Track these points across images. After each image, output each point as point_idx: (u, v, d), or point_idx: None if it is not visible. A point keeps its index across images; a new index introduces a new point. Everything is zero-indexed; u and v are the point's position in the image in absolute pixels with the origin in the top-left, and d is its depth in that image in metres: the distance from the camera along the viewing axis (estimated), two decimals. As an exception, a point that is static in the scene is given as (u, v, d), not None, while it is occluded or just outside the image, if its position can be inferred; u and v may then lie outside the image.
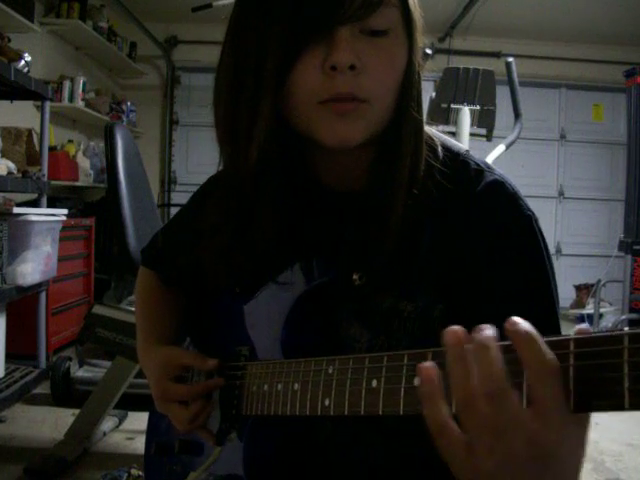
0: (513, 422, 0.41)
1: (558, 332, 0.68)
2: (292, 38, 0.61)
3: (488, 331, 0.44)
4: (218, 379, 0.78)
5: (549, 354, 0.40)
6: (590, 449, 2.48)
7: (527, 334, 0.41)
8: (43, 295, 2.78)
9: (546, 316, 0.68)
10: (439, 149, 0.72)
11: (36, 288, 2.57)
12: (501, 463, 0.42)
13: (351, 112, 0.63)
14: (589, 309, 4.80)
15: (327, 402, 0.59)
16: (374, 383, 0.54)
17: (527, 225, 0.69)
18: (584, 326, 0.43)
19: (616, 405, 0.37)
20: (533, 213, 0.70)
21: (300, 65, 0.62)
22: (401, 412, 0.50)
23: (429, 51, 3.04)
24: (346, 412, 0.56)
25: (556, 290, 0.69)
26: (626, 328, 0.38)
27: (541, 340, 0.41)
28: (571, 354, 0.40)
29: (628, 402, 0.37)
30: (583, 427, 0.43)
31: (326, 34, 0.61)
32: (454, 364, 0.44)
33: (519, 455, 0.41)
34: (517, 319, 0.42)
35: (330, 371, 0.59)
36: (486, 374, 0.42)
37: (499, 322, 0.66)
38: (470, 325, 0.66)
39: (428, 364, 0.45)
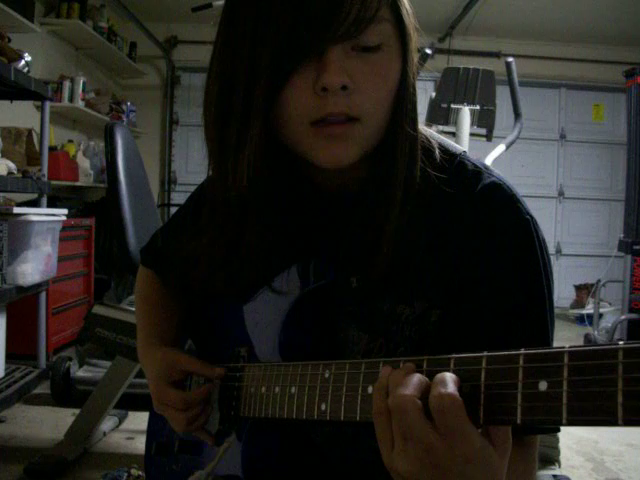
0: (416, 432, 0.47)
1: (548, 339, 0.68)
2: (283, 59, 0.60)
3: (407, 391, 0.48)
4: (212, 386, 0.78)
5: (445, 394, 0.45)
6: (590, 449, 2.48)
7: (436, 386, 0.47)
8: (43, 295, 2.78)
9: (539, 322, 0.67)
10: (436, 151, 0.72)
11: (36, 288, 2.58)
12: (414, 466, 0.48)
13: (343, 134, 0.63)
14: (589, 309, 4.80)
15: (323, 407, 0.59)
16: (370, 389, 0.54)
17: (525, 229, 0.68)
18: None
19: (609, 421, 0.37)
20: (532, 217, 0.69)
21: (291, 86, 0.62)
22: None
23: (429, 51, 3.03)
24: (342, 417, 0.56)
25: (551, 296, 0.69)
26: (620, 342, 0.38)
27: (446, 381, 0.46)
28: (565, 367, 0.40)
29: (621, 418, 0.37)
30: (498, 455, 0.48)
31: (317, 53, 0.61)
32: (376, 418, 0.50)
33: (421, 461, 0.47)
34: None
35: (326, 376, 0.59)
36: (393, 401, 0.48)
37: (494, 326, 0.66)
38: (467, 329, 0.67)
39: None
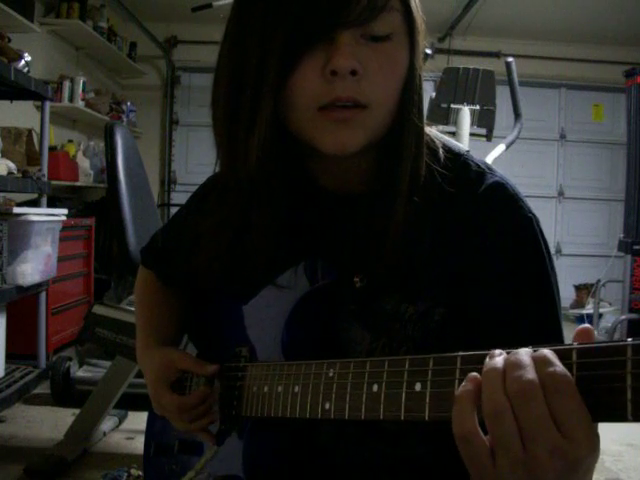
0: (539, 432, 0.41)
1: (560, 335, 0.68)
2: (293, 41, 0.61)
3: (523, 350, 0.44)
4: (210, 388, 0.77)
5: (559, 372, 0.40)
6: (590, 449, 2.48)
7: (543, 357, 0.42)
8: (43, 295, 2.78)
9: (548, 319, 0.68)
10: (440, 151, 0.72)
11: (36, 288, 2.57)
12: (523, 476, 0.42)
13: (350, 119, 0.63)
14: (589, 309, 4.80)
15: (327, 405, 0.59)
16: (375, 387, 0.54)
17: (528, 227, 0.69)
18: (586, 325, 0.43)
19: (618, 416, 0.37)
20: (534, 215, 0.70)
21: (300, 69, 0.62)
22: (402, 417, 0.50)
23: (429, 51, 3.03)
24: (346, 416, 0.56)
25: (558, 292, 0.69)
26: (629, 339, 0.38)
27: (552, 359, 0.41)
28: (574, 364, 0.40)
29: (631, 414, 0.37)
30: (598, 437, 0.43)
31: (327, 38, 0.61)
32: (487, 377, 0.44)
33: (543, 466, 0.41)
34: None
35: (331, 374, 0.59)
36: (516, 387, 0.42)
37: (501, 324, 0.66)
38: (472, 329, 0.67)
39: (476, 374, 0.45)
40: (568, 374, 0.40)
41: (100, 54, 4.84)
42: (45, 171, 2.71)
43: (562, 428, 0.41)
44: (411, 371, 0.51)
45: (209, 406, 0.78)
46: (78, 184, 4.18)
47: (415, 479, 0.73)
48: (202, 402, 0.77)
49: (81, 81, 4.20)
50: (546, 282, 0.68)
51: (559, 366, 0.41)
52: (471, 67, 2.91)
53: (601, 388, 0.38)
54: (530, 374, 0.41)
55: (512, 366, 0.43)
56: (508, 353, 0.44)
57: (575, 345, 0.41)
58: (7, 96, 2.71)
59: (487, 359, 0.45)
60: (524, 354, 0.43)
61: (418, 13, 0.67)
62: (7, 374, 2.50)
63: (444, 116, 2.95)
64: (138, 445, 2.29)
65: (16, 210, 2.44)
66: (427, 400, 0.49)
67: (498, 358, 0.44)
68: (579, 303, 5.11)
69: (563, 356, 0.41)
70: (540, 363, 0.42)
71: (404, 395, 0.51)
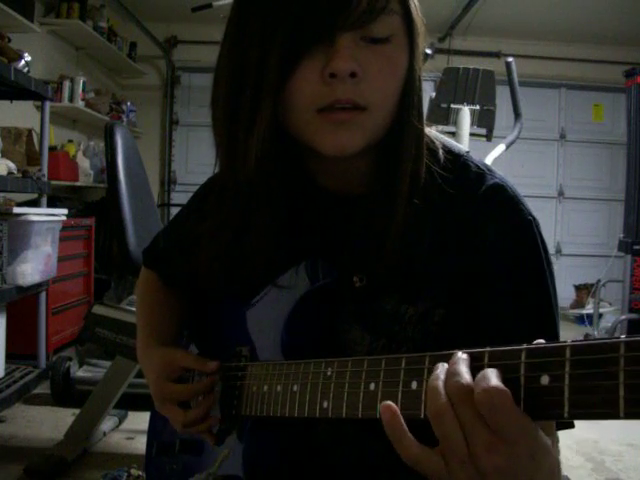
0: (474, 430, 0.44)
1: (556, 336, 0.68)
2: (293, 43, 0.61)
3: (461, 355, 0.47)
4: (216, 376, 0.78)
5: (493, 386, 0.43)
6: (590, 449, 2.48)
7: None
8: (43, 295, 2.78)
9: (545, 321, 0.68)
10: (440, 152, 0.72)
11: (36, 288, 2.57)
12: (475, 475, 0.45)
13: (349, 121, 0.63)
14: (589, 309, 4.80)
15: (325, 404, 0.59)
16: (372, 386, 0.54)
17: (528, 230, 0.69)
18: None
19: (611, 414, 0.37)
20: (534, 218, 0.70)
21: (300, 70, 0.62)
22: (399, 416, 0.50)
23: (429, 51, 3.03)
24: (344, 414, 0.56)
25: (555, 295, 0.69)
26: (622, 335, 0.38)
27: (489, 376, 0.44)
28: (567, 361, 0.40)
29: (623, 411, 0.37)
30: (546, 439, 0.45)
31: (327, 41, 0.61)
32: (429, 386, 0.47)
33: (483, 463, 0.44)
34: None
35: (329, 373, 0.59)
36: (454, 391, 0.45)
37: (500, 325, 0.66)
38: (471, 330, 0.67)
39: (389, 402, 0.48)
40: (504, 389, 0.42)
41: (100, 54, 4.84)
42: (45, 171, 2.71)
43: (495, 428, 0.43)
44: (407, 369, 0.51)
45: (209, 407, 0.78)
46: (78, 184, 4.19)
47: (411, 478, 0.73)
48: (206, 391, 0.78)
49: (81, 81, 4.20)
50: (544, 285, 0.68)
51: (494, 380, 0.43)
52: (471, 67, 2.91)
53: (594, 385, 0.38)
54: (465, 380, 0.45)
55: (450, 374, 0.46)
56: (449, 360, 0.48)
57: (569, 342, 0.41)
58: (7, 96, 2.71)
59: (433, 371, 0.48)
60: (461, 363, 0.46)
61: (418, 15, 0.67)
62: (7, 374, 2.50)
63: (444, 116, 2.95)
64: (138, 445, 2.29)
65: (16, 210, 2.44)
66: (423, 398, 0.49)
67: (440, 370, 0.47)
68: (579, 303, 5.12)
69: (557, 353, 0.41)
70: (478, 380, 0.44)
71: (400, 394, 0.51)
